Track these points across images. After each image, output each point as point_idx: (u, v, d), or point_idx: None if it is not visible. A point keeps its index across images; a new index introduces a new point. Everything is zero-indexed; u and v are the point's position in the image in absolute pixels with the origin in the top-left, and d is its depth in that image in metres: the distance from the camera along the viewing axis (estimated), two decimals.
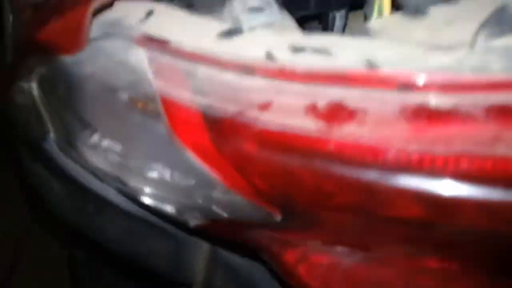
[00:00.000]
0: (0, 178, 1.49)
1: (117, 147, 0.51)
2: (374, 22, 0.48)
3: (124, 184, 0.55)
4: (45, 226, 1.24)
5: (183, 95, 0.44)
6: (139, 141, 0.50)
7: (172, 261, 0.73)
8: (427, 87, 0.37)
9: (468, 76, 0.37)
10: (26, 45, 0.60)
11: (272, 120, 0.40)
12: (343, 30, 0.76)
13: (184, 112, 0.43)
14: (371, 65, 0.39)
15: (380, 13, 0.59)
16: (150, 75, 0.46)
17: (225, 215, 0.50)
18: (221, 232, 0.59)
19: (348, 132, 0.38)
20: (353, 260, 0.51)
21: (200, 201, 0.50)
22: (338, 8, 0.72)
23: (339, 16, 0.73)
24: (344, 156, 0.38)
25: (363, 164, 0.38)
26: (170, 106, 0.44)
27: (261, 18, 0.55)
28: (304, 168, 0.39)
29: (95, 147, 0.56)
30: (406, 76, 0.38)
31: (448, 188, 0.36)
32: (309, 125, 0.39)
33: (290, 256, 0.53)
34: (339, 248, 0.51)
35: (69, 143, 0.60)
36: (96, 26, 0.53)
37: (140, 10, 0.52)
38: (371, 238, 0.46)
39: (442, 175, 0.36)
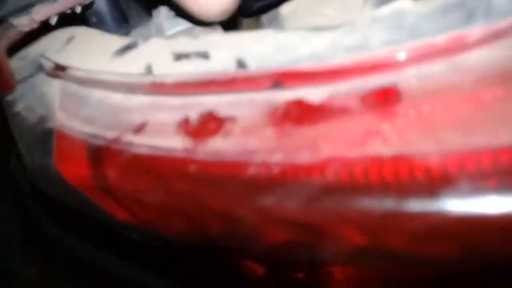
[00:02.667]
0: None
1: None
2: (285, 6, 0.41)
3: None
4: None
5: (74, 125, 0.40)
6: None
7: None
8: (296, 80, 0.31)
9: (341, 59, 0.29)
10: None
11: (144, 143, 0.35)
12: None
13: (69, 145, 0.40)
14: (241, 64, 0.33)
15: None
16: (56, 107, 0.44)
17: None
18: None
19: (212, 148, 0.32)
20: None
21: None
22: None
23: None
24: (205, 177, 0.32)
25: (222, 184, 0.32)
26: (61, 140, 0.41)
27: (184, 24, 0.51)
28: (168, 196, 0.34)
29: None
30: (275, 71, 0.31)
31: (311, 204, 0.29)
32: (176, 145, 0.34)
33: None
34: None
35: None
36: (29, 64, 0.52)
37: (62, 38, 0.51)
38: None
39: (303, 190, 0.29)
